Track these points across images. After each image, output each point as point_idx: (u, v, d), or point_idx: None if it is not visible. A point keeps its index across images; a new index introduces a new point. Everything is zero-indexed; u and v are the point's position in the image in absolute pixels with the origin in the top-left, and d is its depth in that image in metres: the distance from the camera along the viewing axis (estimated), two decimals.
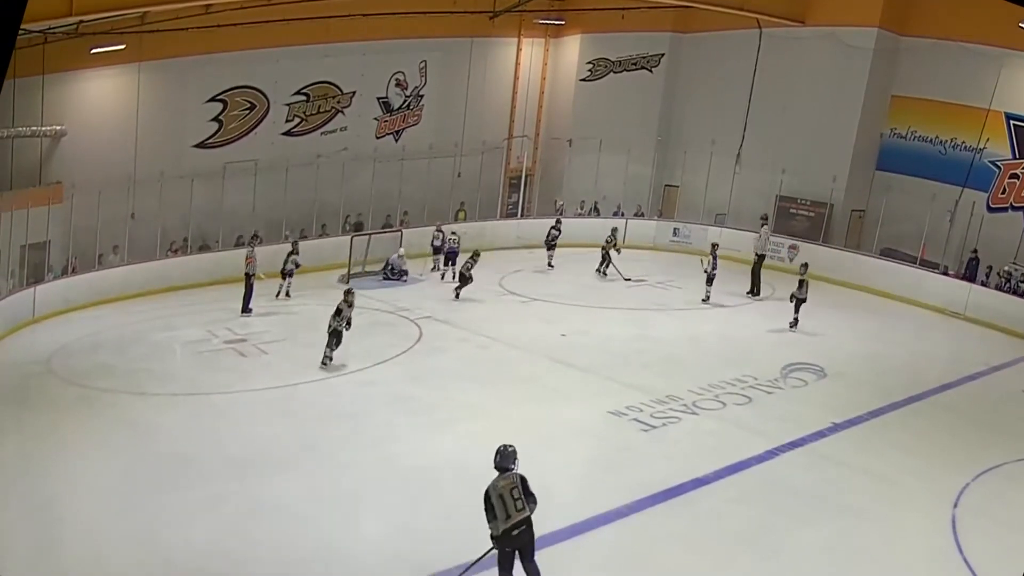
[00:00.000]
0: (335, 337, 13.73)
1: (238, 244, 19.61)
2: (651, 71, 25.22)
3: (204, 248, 19.50)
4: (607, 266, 20.51)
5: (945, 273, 20.31)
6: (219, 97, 19.84)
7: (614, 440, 11.73)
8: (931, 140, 21.68)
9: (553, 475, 9.43)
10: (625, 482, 10.24)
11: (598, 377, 14.01)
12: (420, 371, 13.97)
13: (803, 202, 22.95)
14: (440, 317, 16.96)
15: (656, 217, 24.49)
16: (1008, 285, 19.17)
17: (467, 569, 7.76)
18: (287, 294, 17.81)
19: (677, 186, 25.15)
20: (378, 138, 22.82)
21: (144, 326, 15.78)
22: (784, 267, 21.94)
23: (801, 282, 17.02)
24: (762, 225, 20.59)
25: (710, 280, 18.57)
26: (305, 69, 20.95)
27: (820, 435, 12.05)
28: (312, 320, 16.62)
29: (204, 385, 13.05)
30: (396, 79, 22.88)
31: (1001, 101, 20.13)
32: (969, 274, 19.86)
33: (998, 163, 20.58)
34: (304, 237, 19.85)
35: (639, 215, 24.37)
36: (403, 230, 20.96)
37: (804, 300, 16.92)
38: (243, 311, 16.59)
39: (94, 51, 17.30)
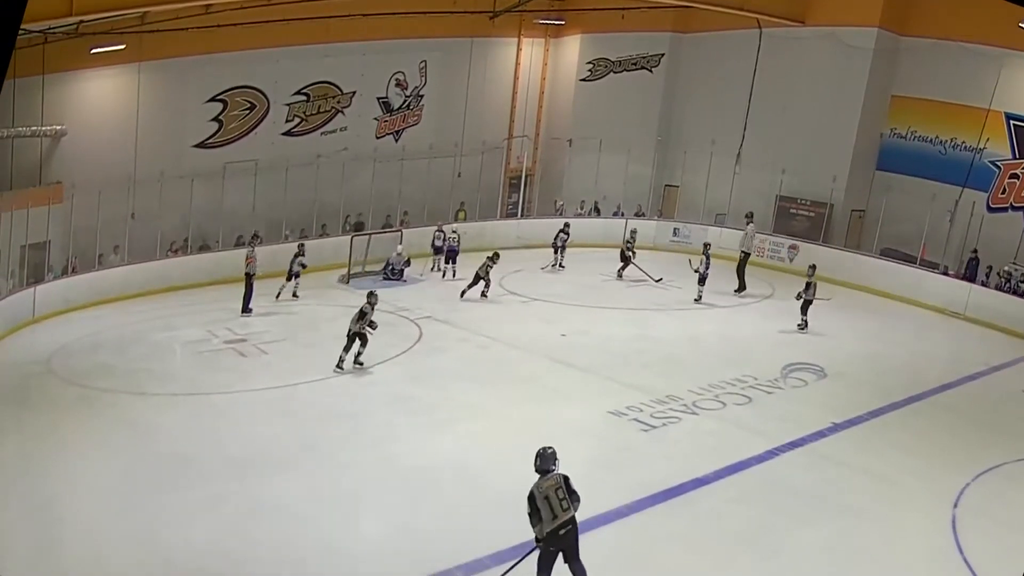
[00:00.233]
0: (356, 340, 13.63)
1: (238, 244, 19.61)
2: (651, 71, 25.22)
3: (204, 248, 19.50)
4: (625, 267, 20.47)
5: (945, 273, 20.30)
6: (219, 97, 19.85)
7: (614, 440, 11.74)
8: (931, 140, 21.68)
9: None
10: (625, 482, 10.24)
11: (598, 377, 14.01)
12: (420, 371, 13.97)
13: (803, 202, 22.96)
14: (440, 317, 16.96)
15: (656, 217, 24.49)
16: (1008, 285, 19.17)
17: (507, 572, 7.69)
18: (294, 294, 17.80)
19: (677, 186, 25.16)
20: (378, 138, 22.82)
21: (144, 326, 15.79)
22: (784, 267, 21.96)
23: (808, 284, 17.02)
24: (748, 223, 20.65)
25: (702, 280, 18.61)
26: (305, 69, 20.95)
27: (820, 435, 12.04)
28: (312, 320, 16.68)
29: (204, 385, 13.04)
30: (396, 79, 22.88)
31: (1001, 101, 20.12)
32: (969, 274, 19.85)
33: (998, 163, 20.58)
34: (304, 237, 19.84)
35: (639, 215, 24.35)
36: (403, 230, 20.96)
37: (811, 302, 16.94)
38: (243, 311, 16.58)
39: (94, 51, 17.30)
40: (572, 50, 25.34)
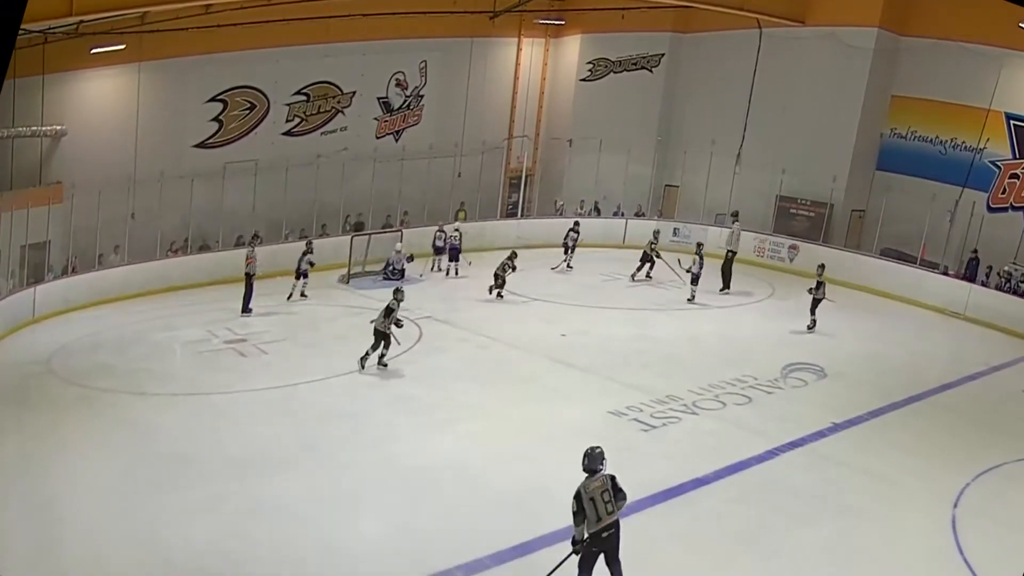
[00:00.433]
0: (382, 340, 13.57)
1: (238, 244, 19.60)
2: (651, 71, 25.22)
3: (204, 248, 19.48)
4: (652, 268, 20.38)
5: (945, 273, 20.31)
6: (219, 97, 19.84)
7: (614, 440, 11.64)
8: (931, 140, 21.69)
9: (553, 475, 9.41)
10: (625, 482, 10.19)
11: (598, 377, 14.01)
12: (420, 371, 13.95)
13: (803, 202, 22.96)
14: (440, 317, 16.96)
15: (656, 217, 24.47)
16: (1008, 285, 19.17)
17: (550, 573, 7.61)
18: (302, 294, 17.78)
19: (677, 186, 25.17)
20: (378, 138, 22.81)
21: (144, 326, 15.78)
22: (784, 267, 21.97)
23: (819, 283, 17.03)
24: (733, 222, 20.64)
25: (695, 280, 18.63)
26: (305, 69, 20.94)
27: (820, 435, 12.05)
28: (312, 320, 16.68)
29: (204, 385, 13.04)
30: (396, 79, 22.88)
31: (1001, 101, 20.13)
32: (969, 274, 19.85)
33: (998, 163, 20.58)
34: (305, 237, 19.84)
35: (639, 215, 24.37)
36: (403, 230, 20.96)
37: (820, 300, 16.95)
38: (243, 311, 16.58)
39: (94, 51, 17.29)
40: (572, 50, 25.34)
